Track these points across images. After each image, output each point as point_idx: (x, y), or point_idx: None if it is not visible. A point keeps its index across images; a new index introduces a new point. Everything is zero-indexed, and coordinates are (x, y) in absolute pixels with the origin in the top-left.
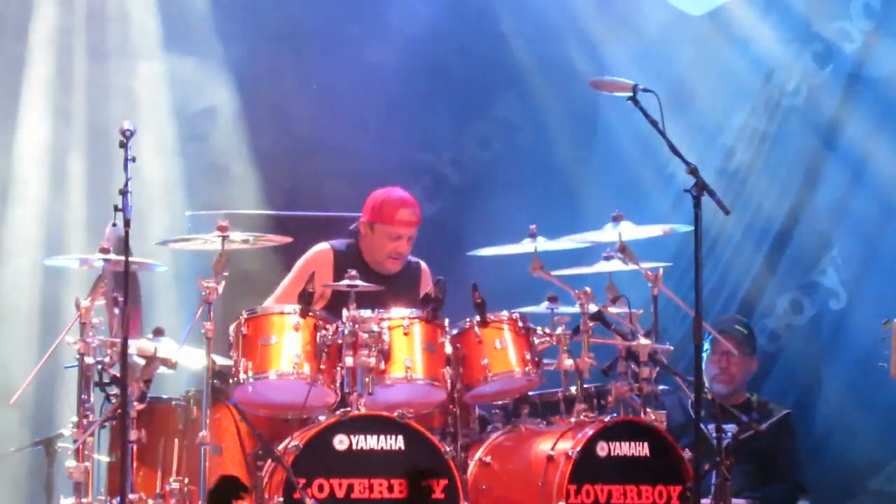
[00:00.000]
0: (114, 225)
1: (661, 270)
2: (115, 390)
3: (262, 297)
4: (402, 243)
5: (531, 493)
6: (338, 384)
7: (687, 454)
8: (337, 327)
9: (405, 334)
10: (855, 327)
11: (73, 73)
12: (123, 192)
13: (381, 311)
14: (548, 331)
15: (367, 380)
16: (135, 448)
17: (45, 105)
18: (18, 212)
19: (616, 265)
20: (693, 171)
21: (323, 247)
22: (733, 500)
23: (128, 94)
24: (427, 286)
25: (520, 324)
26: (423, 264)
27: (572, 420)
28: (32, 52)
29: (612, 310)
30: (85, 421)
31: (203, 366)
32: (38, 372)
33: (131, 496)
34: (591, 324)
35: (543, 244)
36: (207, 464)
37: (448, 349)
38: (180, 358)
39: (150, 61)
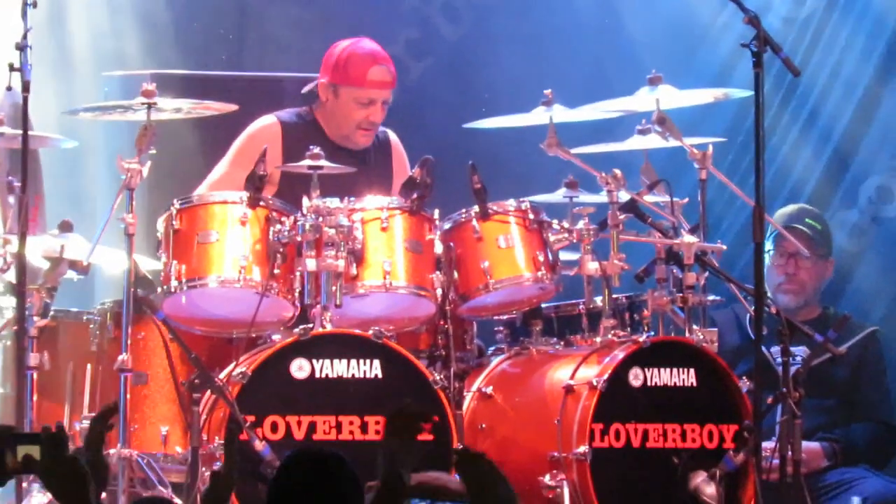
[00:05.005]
0: (8, 89)
1: (710, 148)
2: (9, 301)
3: (199, 182)
4: (376, 110)
5: (544, 433)
6: (296, 294)
7: (744, 384)
8: (295, 221)
9: (383, 229)
10: None
11: None
12: (21, 47)
13: (351, 199)
14: (566, 225)
15: (333, 288)
16: (35, 376)
17: None
18: None
19: (654, 141)
20: (753, 20)
21: (268, 120)
22: (804, 444)
23: None
24: (400, 163)
25: (531, 216)
26: (392, 134)
27: (597, 340)
28: None
29: (649, 198)
30: None
31: (123, 270)
32: None
33: None
34: (621, 216)
35: (561, 114)
36: (128, 396)
37: (438, 249)
38: (94, 259)
39: None
